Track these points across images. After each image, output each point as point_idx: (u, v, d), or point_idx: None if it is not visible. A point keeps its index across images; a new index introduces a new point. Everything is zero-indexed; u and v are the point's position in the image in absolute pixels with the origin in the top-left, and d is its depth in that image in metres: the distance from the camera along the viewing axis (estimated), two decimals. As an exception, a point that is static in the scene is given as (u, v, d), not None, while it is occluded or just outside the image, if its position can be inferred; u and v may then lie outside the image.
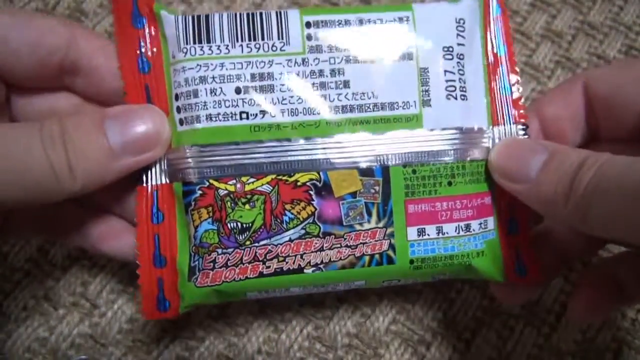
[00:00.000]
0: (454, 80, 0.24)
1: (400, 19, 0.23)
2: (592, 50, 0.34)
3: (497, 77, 0.25)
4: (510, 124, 0.24)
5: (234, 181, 0.23)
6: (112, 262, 0.30)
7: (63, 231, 0.25)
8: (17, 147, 0.19)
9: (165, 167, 0.23)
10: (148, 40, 0.23)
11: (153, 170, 0.23)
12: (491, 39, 0.25)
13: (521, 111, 0.25)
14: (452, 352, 0.29)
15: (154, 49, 0.23)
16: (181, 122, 0.23)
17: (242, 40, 0.23)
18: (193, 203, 0.23)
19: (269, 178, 0.23)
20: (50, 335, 0.28)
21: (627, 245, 0.25)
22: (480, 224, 0.24)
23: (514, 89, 0.25)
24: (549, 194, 0.20)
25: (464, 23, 0.24)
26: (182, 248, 0.23)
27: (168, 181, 0.23)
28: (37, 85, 0.24)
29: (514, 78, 0.25)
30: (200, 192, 0.23)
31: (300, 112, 0.23)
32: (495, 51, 0.25)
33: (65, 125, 0.20)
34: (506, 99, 0.25)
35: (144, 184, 0.23)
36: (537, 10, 0.35)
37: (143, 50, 0.23)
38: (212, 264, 0.23)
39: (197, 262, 0.23)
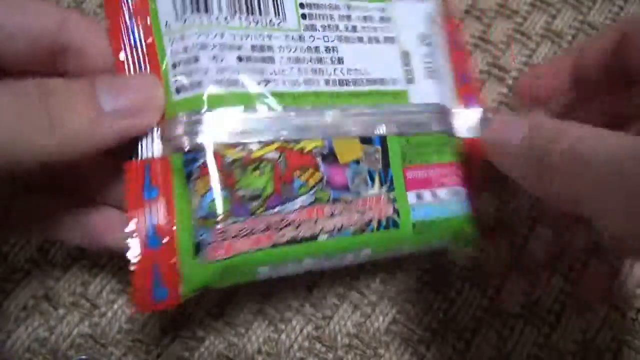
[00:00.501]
0: (430, 62, 0.27)
1: (383, 10, 0.26)
2: (592, 50, 0.34)
3: (459, 64, 0.29)
4: (472, 106, 0.28)
5: (241, 147, 0.22)
6: (112, 262, 0.30)
7: (61, 228, 0.25)
8: None
9: (159, 140, 0.22)
10: (139, 14, 0.23)
11: (145, 143, 0.22)
12: (451, 31, 0.29)
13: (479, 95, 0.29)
14: (452, 352, 0.29)
15: (147, 21, 0.23)
16: (178, 90, 0.22)
17: (240, 13, 0.23)
18: (197, 171, 0.21)
19: (275, 145, 0.22)
20: (50, 335, 0.28)
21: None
22: (464, 191, 0.26)
23: (471, 74, 0.29)
24: (524, 166, 0.21)
25: (433, 15, 0.28)
26: (183, 224, 0.21)
27: (163, 154, 0.22)
28: (29, 69, 0.23)
29: (469, 64, 0.29)
30: (203, 159, 0.21)
31: (302, 84, 0.23)
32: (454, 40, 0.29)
33: (47, 83, 0.20)
34: (463, 84, 0.29)
35: (136, 160, 0.22)
36: (537, 10, 0.35)
37: (134, 21, 0.23)
38: (222, 234, 0.21)
39: (203, 236, 0.21)
